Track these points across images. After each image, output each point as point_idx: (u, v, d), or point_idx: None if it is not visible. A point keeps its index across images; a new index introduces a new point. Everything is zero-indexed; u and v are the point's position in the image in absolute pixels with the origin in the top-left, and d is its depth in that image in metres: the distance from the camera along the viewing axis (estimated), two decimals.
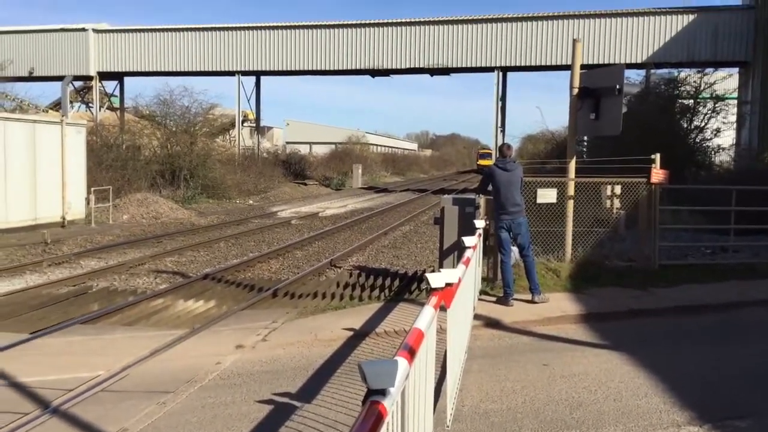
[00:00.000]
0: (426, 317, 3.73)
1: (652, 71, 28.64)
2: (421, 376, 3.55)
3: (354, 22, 37.22)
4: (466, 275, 5.98)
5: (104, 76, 41.46)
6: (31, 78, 40.82)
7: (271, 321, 8.79)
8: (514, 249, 9.39)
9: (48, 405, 5.83)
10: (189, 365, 6.94)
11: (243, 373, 6.60)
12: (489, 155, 72.11)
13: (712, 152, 26.36)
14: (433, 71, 37.44)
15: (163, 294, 11.29)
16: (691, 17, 31.84)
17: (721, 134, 26.17)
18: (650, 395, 5.75)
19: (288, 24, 38.29)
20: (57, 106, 42.90)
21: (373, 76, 39.82)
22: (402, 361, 2.78)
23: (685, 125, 25.71)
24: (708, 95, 26.07)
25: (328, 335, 7.81)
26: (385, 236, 19.48)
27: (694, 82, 26.05)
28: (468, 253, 6.61)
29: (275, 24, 38.47)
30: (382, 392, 2.40)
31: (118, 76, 42.38)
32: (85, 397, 6.07)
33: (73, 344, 8.09)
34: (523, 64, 34.91)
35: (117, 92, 43.92)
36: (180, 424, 5.36)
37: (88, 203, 20.81)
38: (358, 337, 7.72)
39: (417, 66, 36.54)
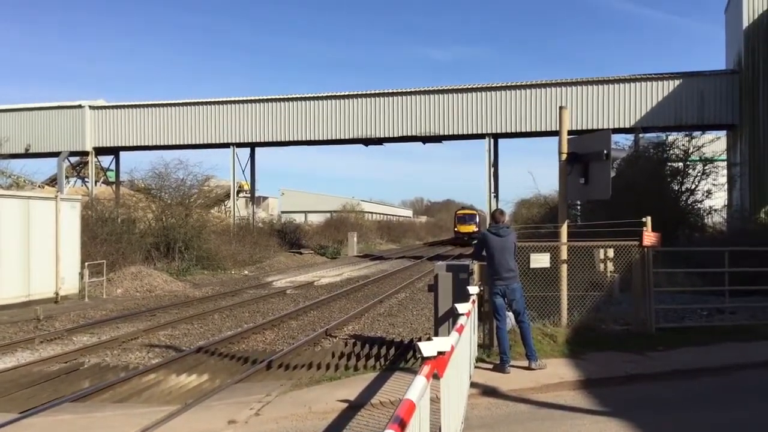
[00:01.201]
0: (417, 387, 3.68)
1: (641, 135, 29.13)
2: None
3: (346, 93, 37.96)
4: (459, 343, 5.93)
5: (100, 151, 41.90)
6: (27, 155, 41.22)
7: (264, 394, 8.63)
8: (510, 315, 9.34)
9: None
10: None
11: None
12: (471, 218, 66.92)
13: (705, 214, 26.58)
14: (426, 139, 37.98)
15: (155, 369, 11.11)
16: (677, 82, 32.59)
17: (713, 196, 26.45)
18: None
19: (281, 96, 39.02)
20: (53, 181, 43.21)
21: (366, 145, 40.35)
22: None
23: (676, 188, 26.00)
24: (697, 158, 26.46)
25: (322, 407, 7.66)
26: (380, 304, 19.36)
27: (683, 145, 26.50)
28: (461, 320, 6.57)
29: (268, 97, 39.18)
30: None
31: (114, 151, 42.84)
32: None
33: (62, 423, 7.91)
34: (513, 130, 35.48)
35: (113, 166, 44.31)
36: None
37: (81, 278, 20.71)
38: (353, 408, 7.58)
39: (409, 134, 37.10)
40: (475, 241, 9.90)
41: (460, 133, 36.41)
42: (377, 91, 37.50)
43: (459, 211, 72.68)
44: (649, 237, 10.88)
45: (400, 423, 3.01)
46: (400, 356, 11.76)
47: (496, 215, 9.58)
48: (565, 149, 10.75)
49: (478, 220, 65.43)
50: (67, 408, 8.62)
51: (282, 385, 9.46)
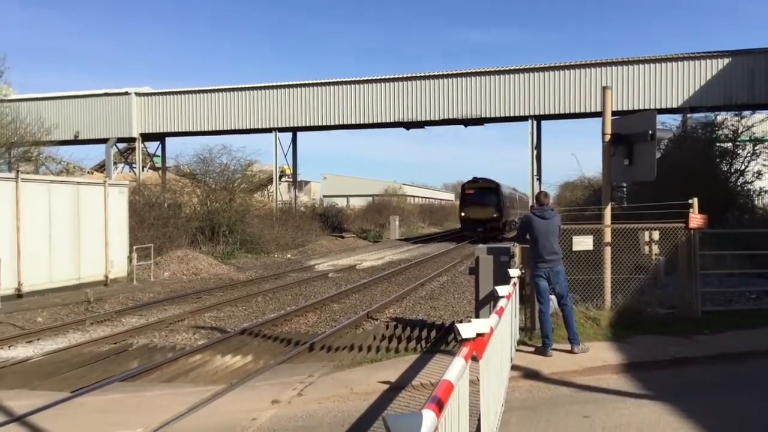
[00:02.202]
0: (456, 369, 3.70)
1: (688, 115, 28.43)
2: (453, 430, 3.50)
3: (387, 76, 37.87)
4: (499, 325, 5.92)
5: (146, 137, 42.74)
6: (76, 141, 42.27)
7: (307, 375, 8.76)
8: (552, 298, 9.27)
9: None
10: (225, 421, 6.94)
11: (278, 429, 6.57)
12: (486, 196, 42.57)
13: (755, 195, 25.86)
14: (467, 122, 37.72)
15: (201, 350, 11.37)
16: (727, 60, 31.67)
17: (763, 177, 25.70)
18: None
19: (322, 81, 39.14)
20: (101, 167, 44.24)
21: (407, 129, 40.28)
22: (429, 415, 2.75)
23: (725, 168, 25.33)
24: (747, 138, 25.73)
25: (363, 388, 7.74)
26: (422, 287, 19.40)
27: (732, 125, 25.76)
28: (501, 303, 6.56)
29: (310, 81, 39.35)
30: None
31: (160, 137, 43.65)
32: None
33: (112, 402, 8.16)
34: (556, 112, 34.98)
35: (159, 152, 45.17)
36: None
37: (130, 261, 21.23)
38: (394, 390, 7.64)
39: (450, 117, 36.88)
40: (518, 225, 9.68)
41: (502, 115, 36.06)
42: (417, 74, 37.32)
43: (467, 184, 44.88)
44: (696, 219, 10.65)
45: (438, 403, 3.02)
46: (441, 339, 11.80)
47: (540, 197, 9.48)
48: (608, 130, 10.57)
49: (501, 199, 43.19)
50: (116, 387, 8.88)
51: (324, 366, 9.58)
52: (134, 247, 21.45)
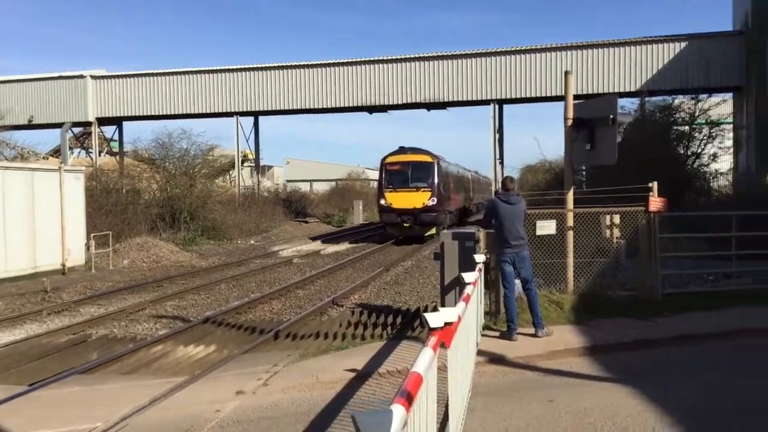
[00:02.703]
0: (424, 360, 3.67)
1: (647, 99, 28.85)
2: (422, 421, 3.47)
3: (350, 60, 37.58)
4: (466, 312, 5.91)
5: (103, 121, 41.77)
6: (30, 126, 41.15)
7: (272, 365, 8.68)
8: (517, 282, 9.32)
9: None
10: (189, 414, 6.83)
11: (243, 420, 6.48)
12: (421, 172, 29.18)
13: (711, 177, 26.43)
14: (430, 106, 37.72)
15: (162, 340, 11.18)
16: (683, 44, 32.14)
17: (719, 159, 26.27)
18: (658, 430, 5.63)
19: (285, 64, 38.66)
20: (57, 152, 43.18)
21: (370, 113, 40.13)
22: (398, 410, 2.71)
23: (682, 152, 25.83)
24: (703, 121, 26.23)
25: (329, 377, 7.69)
26: (386, 272, 19.38)
27: (689, 108, 26.25)
28: (468, 290, 6.55)
29: (272, 64, 38.83)
30: None
31: (117, 121, 42.70)
32: None
33: (71, 395, 7.98)
34: (518, 96, 35.15)
35: (116, 137, 44.21)
36: None
37: (88, 249, 20.77)
38: (360, 378, 7.61)
39: (414, 101, 36.80)
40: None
41: (465, 99, 36.09)
42: (381, 58, 37.11)
43: (389, 158, 30.26)
44: (656, 202, 10.80)
45: (407, 397, 2.98)
46: (407, 324, 11.80)
47: (506, 182, 9.47)
48: (570, 114, 10.63)
49: (437, 180, 29.45)
50: (76, 380, 8.69)
51: (289, 355, 9.51)
52: (92, 235, 20.97)
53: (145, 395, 7.47)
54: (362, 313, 13.12)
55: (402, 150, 30.34)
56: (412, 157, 29.73)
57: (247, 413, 6.71)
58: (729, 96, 32.16)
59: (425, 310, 12.86)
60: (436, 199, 28.83)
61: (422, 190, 28.94)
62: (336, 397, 7.02)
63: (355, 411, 2.65)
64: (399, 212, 28.68)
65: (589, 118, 10.51)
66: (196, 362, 9.96)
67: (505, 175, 9.88)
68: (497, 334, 9.18)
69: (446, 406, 5.45)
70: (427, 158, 29.76)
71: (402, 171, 29.44)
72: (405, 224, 28.70)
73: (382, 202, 29.32)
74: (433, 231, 28.87)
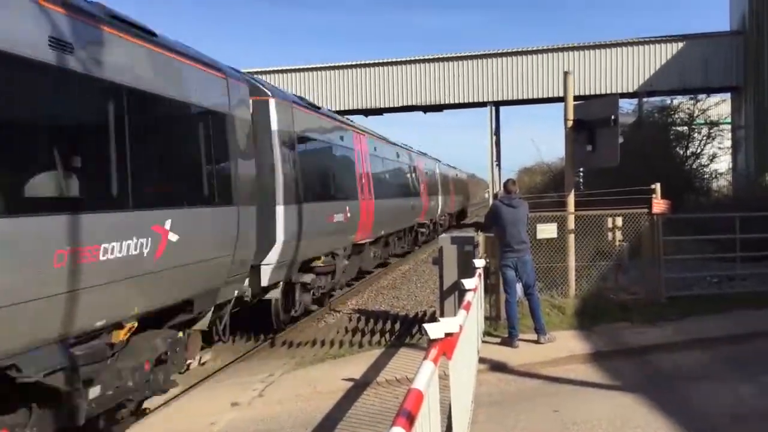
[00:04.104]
0: (425, 374, 3.45)
1: (645, 100, 28.69)
2: None
3: (345, 63, 37.36)
4: (467, 321, 5.70)
5: None
6: None
7: (268, 374, 8.46)
8: (519, 287, 9.11)
9: None
10: (183, 427, 6.61)
11: None
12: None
13: (710, 178, 26.29)
14: (426, 108, 37.49)
15: None
16: (681, 45, 31.95)
17: (718, 159, 26.13)
18: None
19: (284, 68, 38.38)
20: None
21: (366, 116, 39.90)
22: None
23: (681, 152, 25.68)
24: (702, 121, 26.09)
25: (327, 387, 7.48)
26: (384, 276, 19.16)
27: (688, 108, 26.11)
28: (468, 297, 6.34)
29: (266, 69, 38.57)
30: None
31: None
32: None
33: None
34: (515, 97, 34.91)
35: None
36: None
37: None
38: (359, 387, 7.39)
39: (409, 104, 36.57)
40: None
41: (462, 101, 35.84)
42: (376, 61, 36.89)
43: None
44: (659, 204, 10.61)
45: (408, 417, 2.77)
46: (406, 331, 11.58)
47: (508, 185, 9.24)
48: (571, 116, 10.45)
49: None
50: None
51: (285, 363, 9.30)
52: None
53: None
54: (360, 319, 12.92)
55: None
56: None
57: (241, 427, 6.49)
58: (727, 96, 32.00)
59: (424, 316, 12.65)
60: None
61: None
62: (334, 407, 6.80)
63: None
64: None
65: (590, 119, 10.33)
66: (190, 372, 9.72)
67: (507, 178, 9.64)
68: (498, 340, 8.96)
69: (449, 417, 5.24)
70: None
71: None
72: None
73: None
74: None
